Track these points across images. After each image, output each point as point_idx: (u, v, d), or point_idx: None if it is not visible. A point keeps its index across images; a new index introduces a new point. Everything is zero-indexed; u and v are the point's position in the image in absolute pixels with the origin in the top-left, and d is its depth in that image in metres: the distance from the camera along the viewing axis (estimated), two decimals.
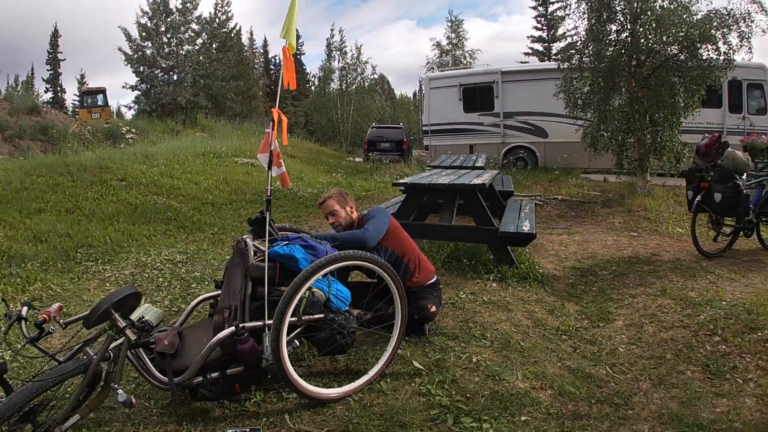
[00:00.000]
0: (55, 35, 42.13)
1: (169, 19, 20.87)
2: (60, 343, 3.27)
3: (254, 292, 2.70)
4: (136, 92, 21.71)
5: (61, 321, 2.43)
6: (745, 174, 5.63)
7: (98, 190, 8.46)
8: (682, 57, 8.30)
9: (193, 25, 21.81)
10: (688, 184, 5.81)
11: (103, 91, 20.99)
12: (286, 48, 2.98)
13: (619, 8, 8.96)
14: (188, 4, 21.27)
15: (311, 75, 46.12)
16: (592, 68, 9.08)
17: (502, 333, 3.46)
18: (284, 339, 2.47)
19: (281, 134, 2.90)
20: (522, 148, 14.46)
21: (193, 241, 6.66)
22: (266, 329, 2.54)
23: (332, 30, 33.54)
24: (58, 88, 42.30)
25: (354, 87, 31.96)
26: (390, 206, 6.27)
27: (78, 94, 40.62)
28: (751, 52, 8.15)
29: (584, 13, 9.26)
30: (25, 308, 2.41)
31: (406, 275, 3.33)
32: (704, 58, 8.18)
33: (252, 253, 2.85)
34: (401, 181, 5.85)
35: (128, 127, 16.46)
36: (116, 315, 2.34)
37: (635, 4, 8.65)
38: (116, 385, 2.27)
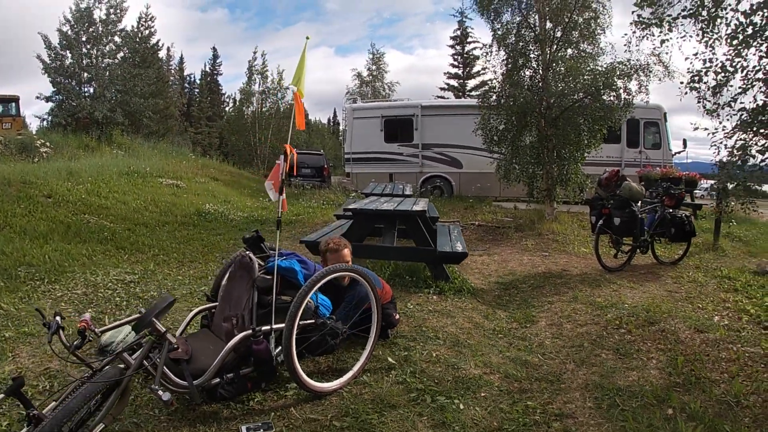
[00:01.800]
0: None
1: (91, 30, 19.99)
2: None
3: (261, 300, 3.12)
4: (50, 103, 20.41)
5: (97, 329, 2.62)
6: (639, 202, 6.77)
7: (26, 207, 8.20)
8: (587, 101, 9.57)
9: (116, 38, 21.04)
10: (592, 210, 6.90)
11: (16, 99, 19.23)
12: (296, 94, 3.45)
13: (533, 56, 10.22)
14: (113, 16, 20.54)
15: (226, 96, 45.72)
16: (507, 108, 10.21)
17: (450, 334, 4.12)
18: (294, 339, 2.90)
19: (293, 164, 3.34)
20: (439, 177, 15.59)
21: (136, 261, 6.70)
22: (272, 333, 2.97)
23: (255, 53, 33.55)
24: None
25: (273, 111, 32.15)
26: (333, 231, 6.77)
27: None
28: (648, 97, 9.45)
29: (503, 59, 10.43)
30: (58, 318, 2.53)
31: None
32: (606, 102, 9.47)
33: (257, 266, 3.26)
34: (350, 206, 6.39)
35: (42, 141, 15.49)
36: (157, 322, 2.59)
37: (548, 54, 9.93)
38: (156, 386, 2.42)
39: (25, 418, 2.25)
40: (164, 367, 2.61)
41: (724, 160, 4.44)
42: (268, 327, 2.99)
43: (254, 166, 31.18)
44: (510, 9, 10.44)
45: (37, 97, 20.27)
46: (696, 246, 7.48)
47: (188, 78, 45.89)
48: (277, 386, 3.16)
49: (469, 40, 36.60)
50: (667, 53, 4.93)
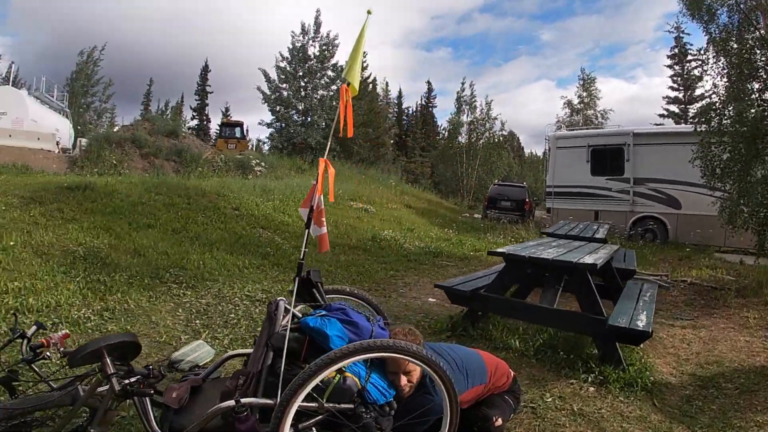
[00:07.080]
0: (205, 70, 46.93)
1: (306, 65, 22.47)
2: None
3: (274, 364, 2.34)
4: (271, 129, 23.41)
5: (62, 349, 2.37)
6: None
7: (210, 216, 8.85)
8: None
9: (329, 72, 23.24)
10: None
11: (240, 124, 22.96)
12: (346, 88, 2.64)
13: (761, 63, 7.64)
14: (326, 52, 22.80)
15: (441, 128, 47.47)
16: (732, 132, 7.75)
17: None
18: (287, 426, 2.06)
19: (327, 188, 2.57)
20: (652, 218, 13.13)
21: (281, 280, 6.58)
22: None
23: (462, 84, 33.96)
24: (204, 117, 46.82)
25: (482, 142, 31.85)
26: (484, 276, 5.67)
27: (219, 124, 46.27)
28: None
29: (723, 69, 8.02)
30: (33, 327, 2.44)
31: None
32: None
33: (281, 319, 2.48)
34: (498, 250, 5.18)
35: (257, 160, 17.53)
36: (107, 359, 2.21)
37: None
38: (92, 430, 2.18)
39: None
40: (150, 408, 2.27)
41: None
42: (270, 401, 2.19)
43: (459, 195, 31.17)
44: (726, 8, 7.99)
45: (260, 124, 24.05)
46: None
47: (407, 110, 49.64)
48: None
49: (689, 58, 31.14)
50: None
